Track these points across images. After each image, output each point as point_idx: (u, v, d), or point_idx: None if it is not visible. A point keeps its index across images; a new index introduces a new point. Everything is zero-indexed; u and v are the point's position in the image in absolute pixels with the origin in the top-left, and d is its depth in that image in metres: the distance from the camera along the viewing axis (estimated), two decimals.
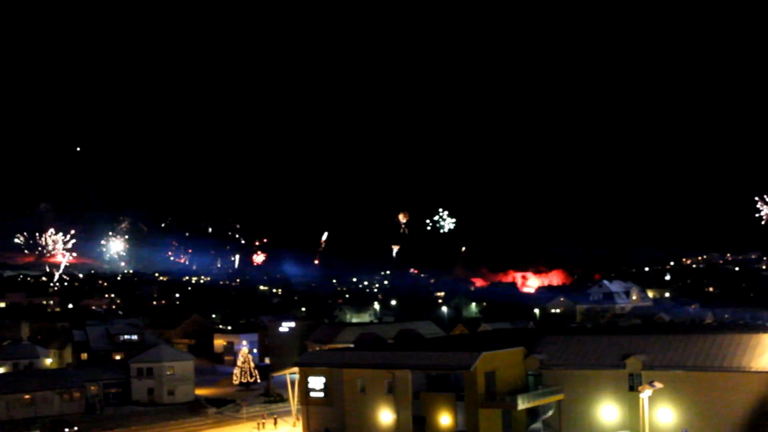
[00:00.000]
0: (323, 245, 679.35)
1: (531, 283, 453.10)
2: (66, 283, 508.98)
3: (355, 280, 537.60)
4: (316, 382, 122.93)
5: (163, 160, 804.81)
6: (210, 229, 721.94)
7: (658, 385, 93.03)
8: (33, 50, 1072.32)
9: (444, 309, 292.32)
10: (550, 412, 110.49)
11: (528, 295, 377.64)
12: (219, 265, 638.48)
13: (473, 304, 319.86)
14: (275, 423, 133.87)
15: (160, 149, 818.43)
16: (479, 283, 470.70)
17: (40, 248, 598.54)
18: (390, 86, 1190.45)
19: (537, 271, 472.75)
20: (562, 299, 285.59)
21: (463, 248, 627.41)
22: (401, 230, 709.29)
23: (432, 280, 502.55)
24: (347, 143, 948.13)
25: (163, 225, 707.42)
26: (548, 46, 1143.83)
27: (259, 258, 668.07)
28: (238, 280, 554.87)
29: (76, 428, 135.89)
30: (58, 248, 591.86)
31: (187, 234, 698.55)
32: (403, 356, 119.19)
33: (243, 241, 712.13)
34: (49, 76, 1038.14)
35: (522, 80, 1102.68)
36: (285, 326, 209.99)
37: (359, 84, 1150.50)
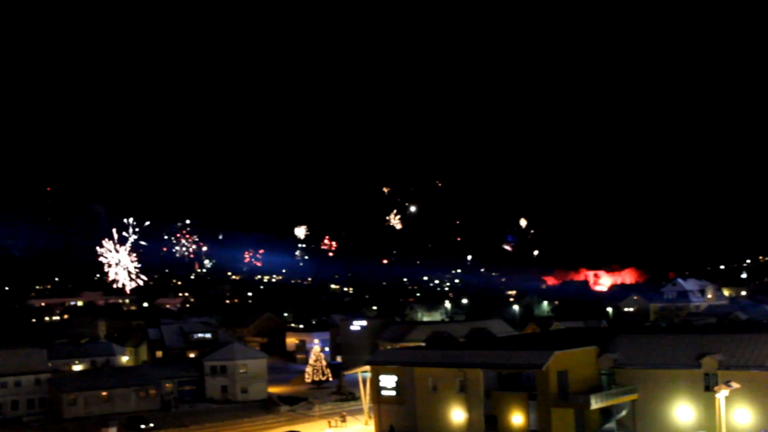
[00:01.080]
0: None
1: (603, 281, 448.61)
2: (142, 283, 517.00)
3: (426, 278, 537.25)
4: (388, 381, 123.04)
5: (233, 161, 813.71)
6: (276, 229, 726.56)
7: (735, 385, 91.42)
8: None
9: (515, 307, 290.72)
10: (624, 412, 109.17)
11: (600, 293, 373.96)
12: (300, 264, 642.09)
13: (545, 303, 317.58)
14: (344, 420, 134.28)
15: (231, 150, 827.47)
16: (551, 281, 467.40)
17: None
18: (458, 90, 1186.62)
19: (609, 270, 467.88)
20: (635, 298, 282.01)
21: (535, 249, 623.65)
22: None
23: (503, 279, 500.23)
24: (422, 146, 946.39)
25: (235, 225, 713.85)
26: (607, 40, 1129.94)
27: (328, 257, 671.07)
28: (309, 279, 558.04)
29: (152, 425, 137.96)
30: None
31: (258, 233, 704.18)
32: (474, 355, 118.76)
33: (312, 241, 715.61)
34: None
35: (591, 79, 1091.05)
36: (356, 325, 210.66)
37: (437, 87, 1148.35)
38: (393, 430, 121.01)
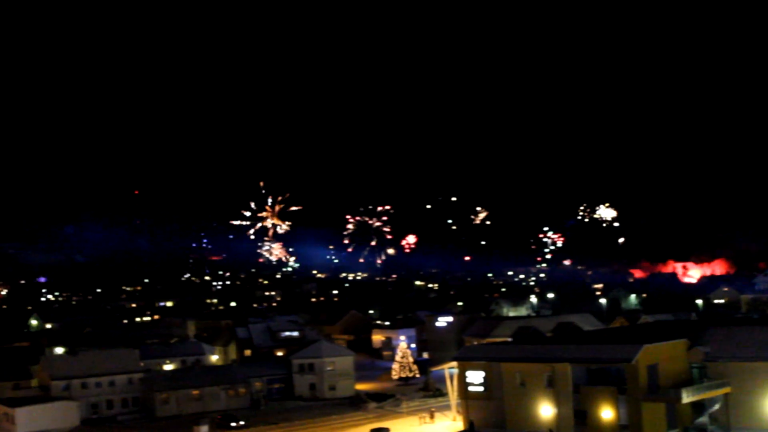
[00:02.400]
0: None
1: (692, 273, 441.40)
2: (228, 282, 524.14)
3: (510, 273, 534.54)
4: (475, 377, 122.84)
5: (317, 159, 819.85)
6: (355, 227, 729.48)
7: None
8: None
9: (602, 301, 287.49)
10: (717, 406, 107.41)
11: (689, 285, 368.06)
12: (381, 261, 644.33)
13: (632, 296, 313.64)
14: (433, 417, 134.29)
15: (311, 152, 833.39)
16: (638, 274, 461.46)
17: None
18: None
19: (698, 261, 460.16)
20: (725, 289, 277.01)
21: (622, 239, 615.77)
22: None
23: (589, 272, 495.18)
24: (506, 139, 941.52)
25: (318, 224, 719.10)
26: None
27: (414, 254, 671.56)
28: (394, 276, 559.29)
29: (242, 422, 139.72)
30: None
31: (342, 232, 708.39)
32: (562, 349, 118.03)
33: (394, 238, 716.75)
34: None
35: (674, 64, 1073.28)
36: (442, 321, 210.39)
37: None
38: (473, 427, 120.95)
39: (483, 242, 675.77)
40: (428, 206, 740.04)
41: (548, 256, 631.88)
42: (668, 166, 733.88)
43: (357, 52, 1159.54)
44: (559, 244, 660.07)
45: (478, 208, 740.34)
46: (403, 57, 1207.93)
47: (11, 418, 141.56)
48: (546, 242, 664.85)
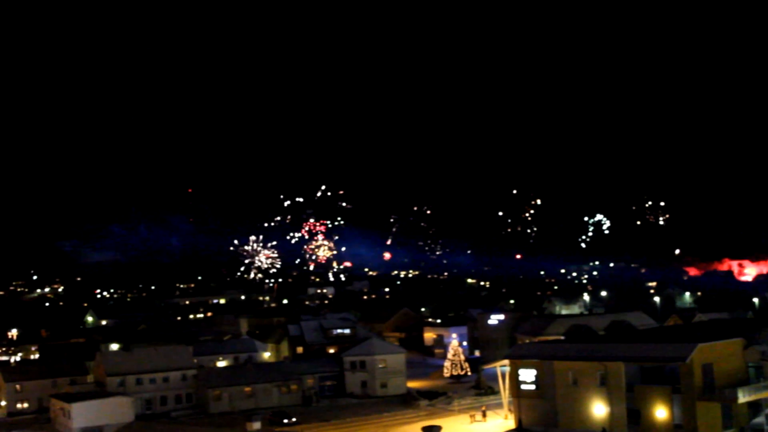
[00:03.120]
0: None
1: (748, 271, 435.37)
2: (280, 280, 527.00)
3: (563, 271, 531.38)
4: (528, 375, 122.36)
5: (366, 156, 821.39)
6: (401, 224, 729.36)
7: None
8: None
9: (656, 299, 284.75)
10: None
11: (746, 283, 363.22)
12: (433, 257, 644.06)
13: (687, 294, 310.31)
14: (484, 415, 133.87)
15: (359, 151, 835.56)
16: (693, 272, 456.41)
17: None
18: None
19: (755, 259, 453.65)
20: None
21: (676, 236, 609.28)
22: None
23: (643, 270, 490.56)
24: (560, 134, 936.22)
25: (370, 222, 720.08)
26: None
27: (465, 251, 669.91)
28: (446, 274, 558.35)
29: (294, 419, 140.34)
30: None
31: (393, 230, 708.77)
32: (615, 348, 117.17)
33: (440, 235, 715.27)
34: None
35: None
36: (494, 319, 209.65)
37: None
38: (521, 425, 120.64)
39: (536, 239, 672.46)
40: (480, 203, 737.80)
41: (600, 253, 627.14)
42: (725, 161, 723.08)
43: (404, 52, 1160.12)
44: (611, 241, 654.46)
45: (532, 203, 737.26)
46: (450, 55, 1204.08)
47: (67, 413, 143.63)
48: (599, 239, 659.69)
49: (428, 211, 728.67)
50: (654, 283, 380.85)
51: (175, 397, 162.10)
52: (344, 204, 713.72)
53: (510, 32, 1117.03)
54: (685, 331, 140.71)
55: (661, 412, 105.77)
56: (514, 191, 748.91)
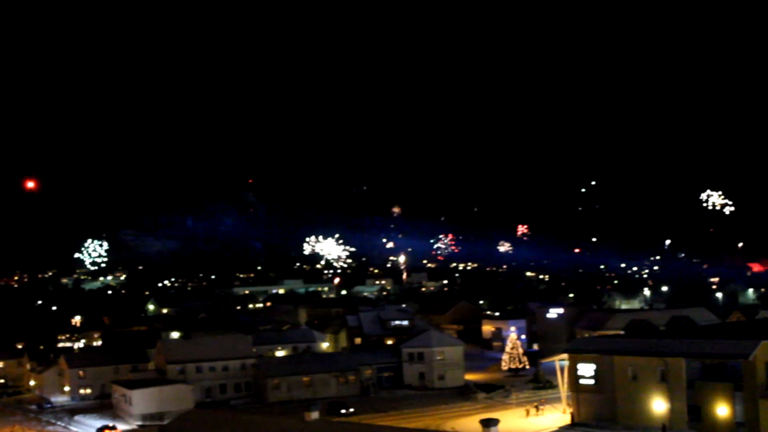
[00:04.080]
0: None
1: None
2: (339, 271, 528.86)
3: (623, 265, 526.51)
4: (586, 369, 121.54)
5: (423, 148, 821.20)
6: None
7: None
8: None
9: (718, 295, 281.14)
10: None
11: None
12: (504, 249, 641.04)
13: (750, 290, 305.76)
14: (538, 409, 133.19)
15: (422, 148, 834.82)
16: (756, 268, 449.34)
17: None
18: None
19: None
20: None
21: (739, 232, 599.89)
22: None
23: (705, 266, 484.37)
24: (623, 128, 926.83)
25: (429, 214, 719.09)
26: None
27: (524, 244, 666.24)
28: (504, 267, 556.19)
29: (352, 409, 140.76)
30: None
31: (452, 222, 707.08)
32: (676, 344, 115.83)
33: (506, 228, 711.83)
34: None
35: None
36: (553, 312, 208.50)
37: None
38: (573, 419, 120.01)
39: (595, 233, 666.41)
40: (538, 196, 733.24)
41: (663, 248, 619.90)
42: None
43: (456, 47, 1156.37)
44: (672, 236, 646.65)
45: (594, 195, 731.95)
46: (500, 50, 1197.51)
47: (129, 399, 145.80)
48: (660, 233, 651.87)
49: (490, 204, 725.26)
50: (716, 279, 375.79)
51: (234, 385, 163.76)
52: (397, 210, 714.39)
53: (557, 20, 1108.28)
54: (748, 328, 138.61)
55: (722, 410, 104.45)
56: (583, 190, 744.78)
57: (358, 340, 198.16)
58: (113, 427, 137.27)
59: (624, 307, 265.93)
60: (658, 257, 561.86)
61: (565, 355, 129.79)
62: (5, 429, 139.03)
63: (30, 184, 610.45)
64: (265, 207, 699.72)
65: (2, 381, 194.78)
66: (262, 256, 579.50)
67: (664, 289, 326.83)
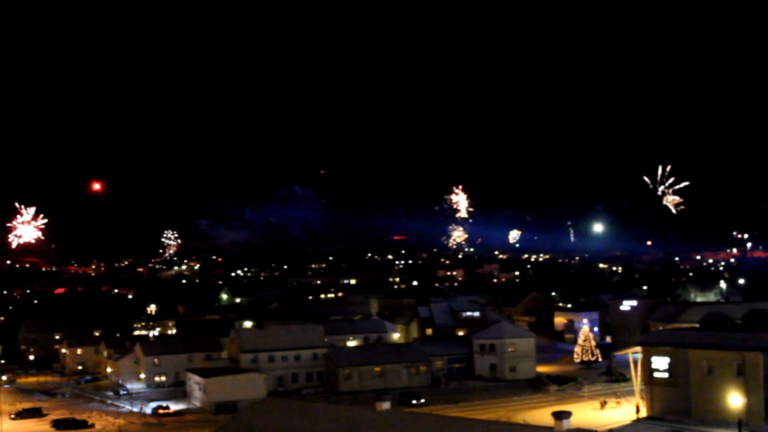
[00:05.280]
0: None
1: None
2: (410, 261, 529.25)
3: (698, 257, 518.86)
4: (661, 362, 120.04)
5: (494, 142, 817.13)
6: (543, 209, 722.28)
7: None
8: None
9: None
10: None
11: None
12: (572, 240, 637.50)
13: None
14: (604, 404, 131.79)
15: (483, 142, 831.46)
16: None
17: None
18: None
19: None
20: None
21: None
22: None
23: None
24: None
25: (500, 205, 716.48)
26: None
27: (595, 236, 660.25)
28: (576, 258, 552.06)
29: (423, 400, 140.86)
30: None
31: (524, 214, 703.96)
32: (753, 338, 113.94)
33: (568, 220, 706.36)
34: None
35: None
36: (626, 305, 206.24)
37: None
38: (638, 411, 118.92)
39: (672, 225, 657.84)
40: (612, 188, 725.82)
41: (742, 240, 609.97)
42: None
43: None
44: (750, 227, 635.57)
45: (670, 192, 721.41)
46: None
47: (202, 387, 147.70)
48: (737, 225, 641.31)
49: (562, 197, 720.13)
50: None
51: (306, 375, 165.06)
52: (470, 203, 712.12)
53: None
54: None
55: None
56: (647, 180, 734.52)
57: (429, 331, 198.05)
58: (167, 407, 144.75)
59: (699, 299, 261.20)
60: (734, 249, 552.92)
61: (638, 348, 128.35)
62: (83, 414, 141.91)
63: (96, 186, 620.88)
64: (335, 198, 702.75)
65: (80, 367, 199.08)
66: (334, 246, 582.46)
67: (741, 281, 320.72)
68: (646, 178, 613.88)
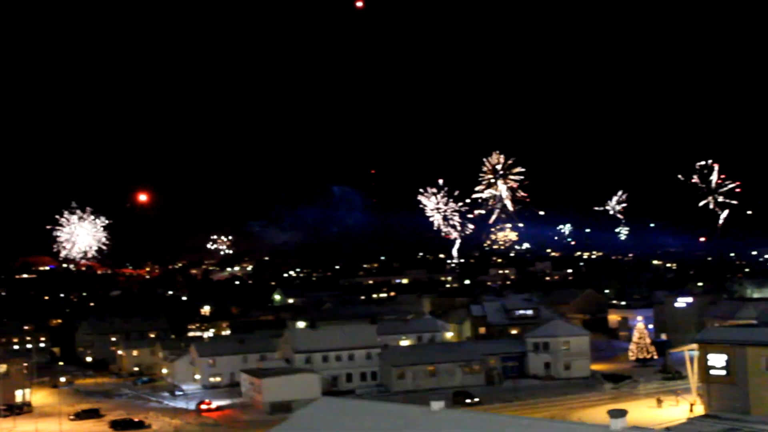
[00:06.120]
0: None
1: None
2: (462, 260, 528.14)
3: (755, 253, 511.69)
4: (718, 360, 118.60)
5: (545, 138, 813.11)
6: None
7: None
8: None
9: None
10: None
11: None
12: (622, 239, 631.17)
13: None
14: (659, 402, 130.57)
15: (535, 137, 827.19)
16: None
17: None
18: None
19: None
20: None
21: None
22: None
23: None
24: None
25: (552, 201, 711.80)
26: None
27: (650, 232, 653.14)
28: (630, 255, 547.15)
29: (477, 399, 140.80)
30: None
31: (576, 210, 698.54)
32: None
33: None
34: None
35: None
36: (681, 301, 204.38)
37: None
38: (692, 408, 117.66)
39: (727, 219, 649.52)
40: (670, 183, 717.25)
41: None
42: None
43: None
44: None
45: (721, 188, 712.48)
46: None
47: (258, 387, 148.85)
48: None
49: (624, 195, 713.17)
50: None
51: (360, 374, 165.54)
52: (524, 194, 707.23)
53: None
54: None
55: None
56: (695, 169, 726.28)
57: (482, 330, 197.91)
58: (209, 402, 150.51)
59: (756, 296, 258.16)
60: None
61: (694, 346, 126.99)
62: (140, 415, 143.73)
63: (142, 197, 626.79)
64: (385, 198, 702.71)
65: (137, 369, 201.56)
66: (386, 246, 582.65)
67: None
68: (696, 178, 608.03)
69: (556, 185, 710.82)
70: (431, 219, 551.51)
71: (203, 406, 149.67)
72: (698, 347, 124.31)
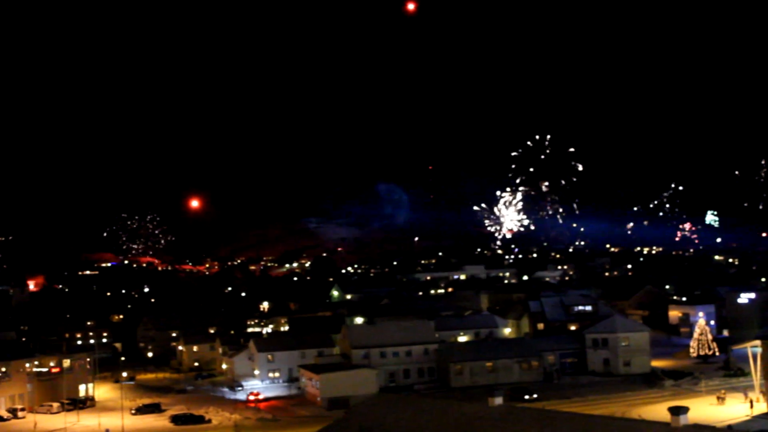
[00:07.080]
0: None
1: None
2: (521, 256, 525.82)
3: None
4: None
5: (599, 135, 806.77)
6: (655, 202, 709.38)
7: None
8: None
9: None
10: None
11: None
12: (683, 234, 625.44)
13: None
14: (721, 400, 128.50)
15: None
16: None
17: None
18: None
19: None
20: None
21: None
22: None
23: None
24: None
25: (610, 198, 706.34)
26: None
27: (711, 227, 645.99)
28: (691, 250, 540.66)
29: (535, 395, 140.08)
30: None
31: (634, 207, 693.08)
32: None
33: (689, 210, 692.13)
34: None
35: None
36: (744, 297, 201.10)
37: None
38: (752, 405, 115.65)
39: None
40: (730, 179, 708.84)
41: None
42: None
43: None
44: None
45: None
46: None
47: (316, 383, 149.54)
48: None
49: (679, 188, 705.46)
50: None
51: (418, 370, 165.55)
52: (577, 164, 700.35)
53: None
54: None
55: None
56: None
57: (540, 326, 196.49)
58: (257, 394, 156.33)
59: None
60: None
61: (757, 342, 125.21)
62: (201, 409, 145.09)
63: (194, 203, 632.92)
64: (442, 194, 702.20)
65: (197, 364, 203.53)
66: (444, 242, 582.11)
67: None
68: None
69: (616, 180, 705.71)
70: (501, 218, 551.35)
71: (251, 397, 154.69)
72: (761, 344, 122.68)
